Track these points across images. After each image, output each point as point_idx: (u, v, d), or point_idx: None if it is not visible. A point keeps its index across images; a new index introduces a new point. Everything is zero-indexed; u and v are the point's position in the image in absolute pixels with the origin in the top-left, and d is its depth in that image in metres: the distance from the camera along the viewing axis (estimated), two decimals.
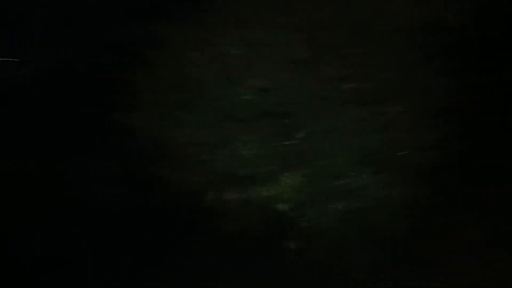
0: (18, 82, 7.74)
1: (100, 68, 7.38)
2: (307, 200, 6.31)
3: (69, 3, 8.02)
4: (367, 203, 6.22)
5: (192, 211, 6.42)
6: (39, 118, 7.33)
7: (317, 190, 6.30)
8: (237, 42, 6.62)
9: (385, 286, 6.32)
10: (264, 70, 6.44)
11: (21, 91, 7.70)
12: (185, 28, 6.99)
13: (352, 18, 6.57)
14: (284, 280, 6.23)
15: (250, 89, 6.37)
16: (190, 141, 6.53)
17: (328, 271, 6.30)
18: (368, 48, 6.55)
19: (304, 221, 6.25)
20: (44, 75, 7.78)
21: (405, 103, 6.41)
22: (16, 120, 7.35)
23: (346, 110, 6.32)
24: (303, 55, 6.49)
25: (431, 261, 6.45)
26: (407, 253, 6.49)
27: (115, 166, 6.78)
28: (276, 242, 6.37)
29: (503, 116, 7.01)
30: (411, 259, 6.47)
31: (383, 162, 6.37)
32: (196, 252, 6.31)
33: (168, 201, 6.45)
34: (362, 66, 6.52)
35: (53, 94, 7.60)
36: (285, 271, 6.25)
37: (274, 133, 6.36)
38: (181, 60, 6.89)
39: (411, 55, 6.66)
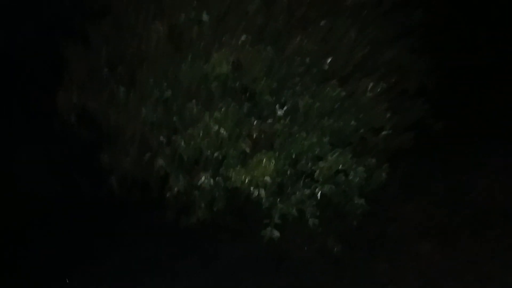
0: None
1: (43, 46, 6.42)
2: (283, 185, 5.76)
3: None
4: (345, 188, 5.76)
5: (155, 199, 5.68)
6: None
7: (293, 174, 5.77)
8: (201, 11, 5.94)
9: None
10: (233, 44, 5.81)
11: None
12: None
13: None
14: (256, 271, 5.68)
15: (219, 64, 5.71)
16: (151, 122, 5.80)
17: (300, 261, 5.84)
18: (342, 23, 6.11)
19: (279, 207, 5.69)
20: None
21: (382, 82, 6.02)
22: None
23: (324, 88, 5.84)
24: (276, 27, 5.94)
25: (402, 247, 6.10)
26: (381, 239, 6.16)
27: (62, 153, 5.88)
28: (249, 231, 5.79)
29: (480, 96, 6.87)
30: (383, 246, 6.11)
31: (362, 144, 5.97)
32: (160, 243, 5.59)
33: (126, 189, 5.67)
34: (337, 41, 6.07)
35: None
36: (258, 260, 5.70)
37: (246, 112, 5.76)
38: (137, 33, 6.12)
39: (387, 31, 6.31)
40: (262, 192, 5.59)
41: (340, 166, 5.66)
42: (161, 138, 5.79)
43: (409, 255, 5.99)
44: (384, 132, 5.93)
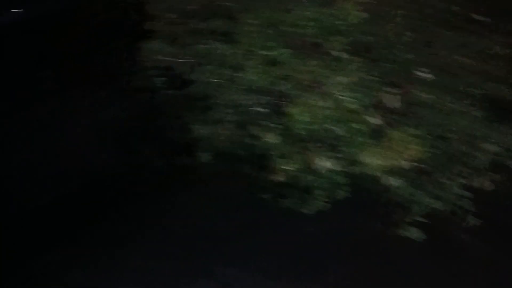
0: None
1: None
2: (425, 174, 4.39)
3: None
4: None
5: (247, 185, 4.36)
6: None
7: (439, 160, 4.39)
8: None
9: None
10: None
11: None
12: None
13: None
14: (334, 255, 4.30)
15: (345, 12, 4.36)
16: (255, 87, 4.50)
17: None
18: None
19: (425, 203, 4.34)
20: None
21: None
22: None
23: (480, 41, 4.42)
24: None
25: None
26: None
27: (135, 120, 4.67)
28: (379, 233, 4.42)
29: None
30: None
31: None
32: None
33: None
34: None
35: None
36: (337, 245, 4.33)
37: (376, 75, 4.39)
38: None
39: None
40: (399, 181, 4.24)
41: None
42: (266, 107, 4.48)
43: None
44: None
